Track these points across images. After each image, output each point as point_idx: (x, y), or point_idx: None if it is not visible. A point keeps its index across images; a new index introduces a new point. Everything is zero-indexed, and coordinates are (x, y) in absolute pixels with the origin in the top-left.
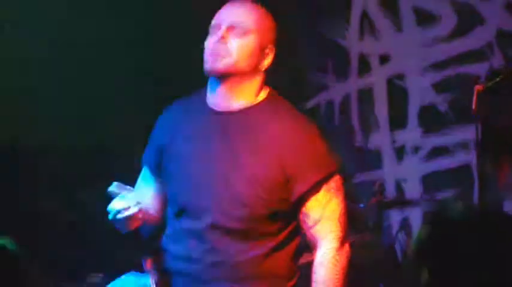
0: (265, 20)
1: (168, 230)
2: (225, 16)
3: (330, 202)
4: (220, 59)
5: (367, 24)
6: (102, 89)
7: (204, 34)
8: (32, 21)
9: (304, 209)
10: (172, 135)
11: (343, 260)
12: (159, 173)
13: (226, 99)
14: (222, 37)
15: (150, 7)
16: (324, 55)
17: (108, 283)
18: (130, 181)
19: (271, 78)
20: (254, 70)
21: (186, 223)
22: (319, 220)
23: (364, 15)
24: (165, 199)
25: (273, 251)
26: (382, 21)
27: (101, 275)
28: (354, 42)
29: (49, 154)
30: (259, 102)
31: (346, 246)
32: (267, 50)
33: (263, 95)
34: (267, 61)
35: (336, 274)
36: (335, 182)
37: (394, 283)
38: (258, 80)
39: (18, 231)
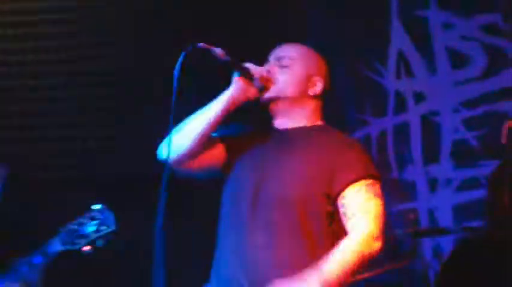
0: (309, 53)
1: None
2: (274, 53)
3: (369, 200)
4: (269, 88)
5: (403, 64)
6: None
7: None
8: None
9: (345, 202)
10: (243, 142)
11: (364, 253)
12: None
13: (283, 121)
14: (268, 71)
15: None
16: (363, 92)
17: None
18: None
19: None
20: (302, 95)
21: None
22: (356, 214)
23: (401, 55)
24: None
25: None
26: (417, 61)
27: None
28: (391, 81)
29: None
30: (313, 125)
31: (376, 245)
32: (314, 79)
33: (319, 122)
34: (317, 89)
35: (351, 262)
36: (376, 186)
37: None
38: (310, 105)
39: None
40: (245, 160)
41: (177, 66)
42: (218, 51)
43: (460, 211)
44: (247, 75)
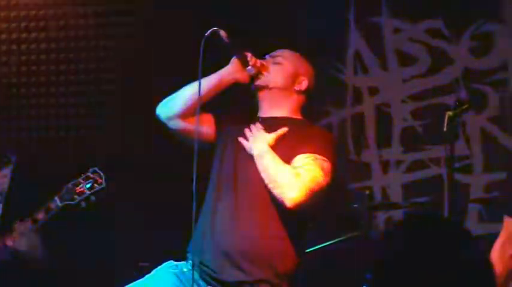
0: (300, 57)
1: None
2: (271, 53)
3: (312, 164)
4: (260, 78)
5: (359, 63)
6: None
7: None
8: None
9: (293, 161)
10: (234, 125)
11: (285, 189)
12: (213, 127)
13: (267, 109)
14: (262, 63)
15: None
16: (326, 87)
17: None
18: None
19: None
20: (288, 88)
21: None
22: (298, 166)
23: (357, 55)
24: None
25: None
26: (371, 60)
27: (146, 264)
28: (349, 77)
29: None
30: (293, 118)
31: (293, 196)
32: (300, 78)
33: (299, 116)
34: (301, 86)
35: (279, 175)
36: (325, 163)
37: None
38: (293, 99)
39: None
40: (229, 142)
41: (201, 48)
42: (223, 33)
43: (409, 189)
44: (243, 60)
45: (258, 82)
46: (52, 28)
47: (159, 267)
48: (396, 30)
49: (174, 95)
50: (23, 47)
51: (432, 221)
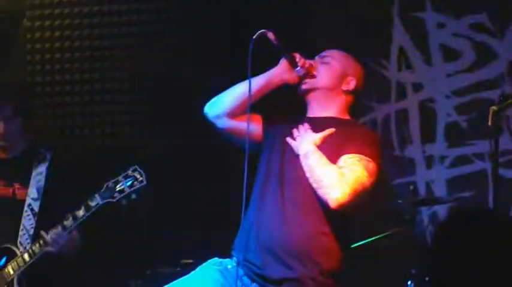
0: (349, 57)
1: None
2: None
3: (358, 164)
4: (307, 82)
5: (403, 59)
6: None
7: None
8: None
9: (338, 161)
10: (282, 125)
11: (333, 188)
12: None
13: (315, 110)
14: (311, 63)
15: None
16: (370, 83)
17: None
18: None
19: None
20: (336, 88)
21: None
22: (343, 166)
23: (401, 51)
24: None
25: None
26: (415, 56)
27: (191, 261)
28: (393, 73)
29: None
30: (340, 118)
31: (338, 196)
32: (348, 78)
33: (347, 117)
34: (349, 86)
35: (324, 173)
36: (370, 164)
37: (423, 263)
38: (341, 99)
39: None
40: (277, 141)
41: (250, 50)
42: (271, 34)
43: (453, 184)
44: (292, 60)
45: (305, 86)
46: (78, 26)
47: (204, 264)
48: (440, 25)
49: (223, 93)
50: (47, 45)
51: (484, 215)
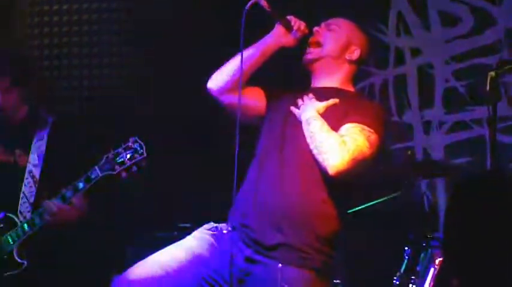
0: (354, 26)
1: None
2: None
3: (359, 133)
4: (311, 51)
5: (402, 24)
6: None
7: None
8: None
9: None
10: (284, 97)
11: (334, 152)
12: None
13: (319, 80)
14: (317, 31)
15: None
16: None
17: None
18: None
19: None
20: (340, 56)
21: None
22: (345, 134)
23: (400, 16)
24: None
25: None
26: (413, 21)
27: (188, 224)
28: (392, 38)
29: None
30: (344, 89)
31: (340, 161)
32: (353, 47)
33: (351, 88)
34: (353, 55)
35: (326, 138)
36: (372, 135)
37: (420, 229)
38: (345, 68)
39: None
40: (279, 110)
41: (242, 20)
42: (263, 3)
43: (451, 150)
44: (287, 25)
45: (310, 56)
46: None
47: (199, 229)
48: None
49: (222, 67)
50: (56, 18)
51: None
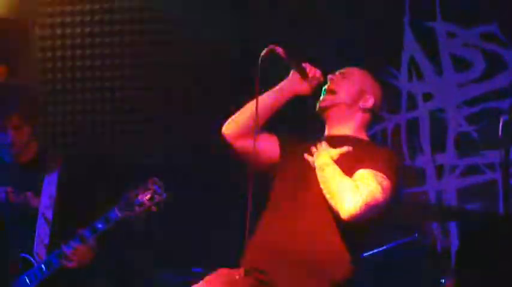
0: (368, 75)
1: None
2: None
3: (373, 178)
4: (326, 99)
5: (414, 68)
6: None
7: None
8: None
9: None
10: (297, 144)
11: (348, 199)
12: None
13: (332, 128)
14: (331, 79)
15: None
16: None
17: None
18: None
19: None
20: (353, 105)
21: None
22: (358, 179)
23: (412, 61)
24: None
25: None
26: (426, 66)
27: (199, 269)
28: (403, 83)
29: None
30: (357, 137)
31: (352, 209)
32: (367, 95)
33: (364, 137)
34: (367, 104)
35: (338, 185)
36: (385, 181)
37: (436, 272)
38: (358, 117)
39: None
40: (293, 157)
41: (258, 69)
42: (279, 50)
43: (463, 194)
44: (302, 72)
45: (324, 103)
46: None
47: (211, 274)
48: (451, 35)
49: (237, 113)
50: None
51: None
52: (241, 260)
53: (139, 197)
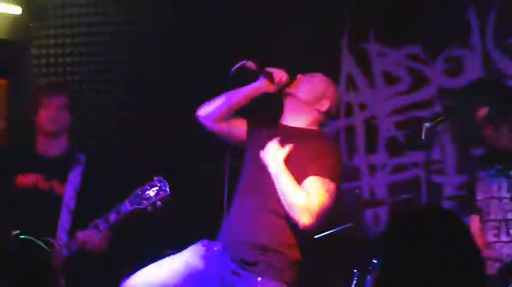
0: (331, 84)
1: None
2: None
3: (320, 188)
4: (287, 89)
5: (351, 82)
6: None
7: None
8: None
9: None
10: (260, 130)
11: (299, 210)
12: (243, 132)
13: (288, 118)
14: (299, 77)
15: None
16: None
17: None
18: None
19: None
20: (310, 105)
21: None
22: (307, 189)
23: (349, 76)
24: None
25: None
26: (361, 80)
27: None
28: (342, 94)
29: None
30: (309, 129)
31: (306, 218)
32: (324, 100)
33: (315, 127)
34: (322, 107)
35: (289, 193)
36: (331, 185)
37: (367, 261)
38: (313, 115)
39: None
40: (254, 147)
41: (230, 80)
42: (250, 64)
43: (392, 188)
44: (270, 78)
45: (289, 90)
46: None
47: (194, 244)
48: (382, 55)
49: (211, 101)
50: (52, 69)
51: (434, 215)
52: (218, 236)
53: (147, 192)
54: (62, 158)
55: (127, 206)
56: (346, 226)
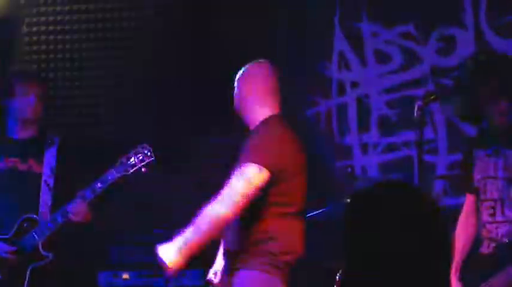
0: (245, 77)
1: None
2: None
3: (234, 178)
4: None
5: (343, 61)
6: None
7: None
8: None
9: None
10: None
11: (211, 215)
12: None
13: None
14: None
15: None
16: (315, 82)
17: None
18: None
19: (283, 97)
20: (244, 111)
21: None
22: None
23: (341, 55)
24: None
25: None
26: (353, 59)
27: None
28: (334, 73)
29: None
30: (254, 127)
31: (220, 210)
32: (246, 99)
33: (257, 122)
34: (248, 104)
35: (201, 223)
36: (248, 168)
37: None
38: (251, 114)
39: None
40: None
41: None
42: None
43: (384, 167)
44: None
45: (235, 105)
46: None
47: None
48: (374, 34)
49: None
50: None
51: (399, 188)
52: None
53: (132, 159)
54: (35, 139)
55: (113, 173)
56: (336, 202)
